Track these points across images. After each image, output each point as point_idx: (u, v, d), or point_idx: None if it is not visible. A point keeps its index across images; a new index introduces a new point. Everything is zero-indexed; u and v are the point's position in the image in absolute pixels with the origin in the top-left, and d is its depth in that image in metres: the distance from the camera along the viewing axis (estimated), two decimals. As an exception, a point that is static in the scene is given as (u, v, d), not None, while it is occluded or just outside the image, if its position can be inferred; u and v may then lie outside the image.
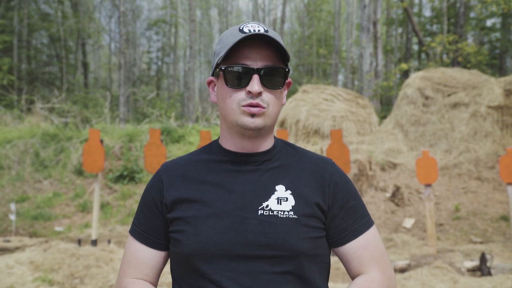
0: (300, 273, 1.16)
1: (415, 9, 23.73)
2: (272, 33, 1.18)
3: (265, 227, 1.15)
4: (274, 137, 1.32)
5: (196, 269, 1.16)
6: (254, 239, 1.14)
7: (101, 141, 6.35)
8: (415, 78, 11.77)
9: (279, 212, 1.17)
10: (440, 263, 5.11)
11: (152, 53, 34.53)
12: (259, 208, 1.18)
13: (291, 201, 1.19)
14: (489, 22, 23.38)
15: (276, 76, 1.20)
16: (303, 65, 30.67)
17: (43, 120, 13.91)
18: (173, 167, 1.29)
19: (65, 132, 12.12)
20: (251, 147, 1.24)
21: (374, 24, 16.99)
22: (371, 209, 8.46)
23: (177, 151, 11.67)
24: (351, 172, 9.20)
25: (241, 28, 1.19)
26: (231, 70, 1.18)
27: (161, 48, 33.11)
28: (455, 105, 10.79)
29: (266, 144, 1.26)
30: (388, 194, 8.90)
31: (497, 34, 23.10)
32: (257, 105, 1.17)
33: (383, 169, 10.02)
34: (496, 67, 21.41)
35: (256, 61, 1.18)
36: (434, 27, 22.76)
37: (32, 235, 8.42)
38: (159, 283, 4.58)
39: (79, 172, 10.71)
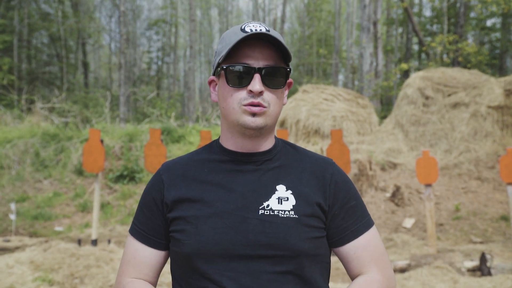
0: (300, 273, 1.16)
1: (415, 9, 23.74)
2: (273, 33, 1.18)
3: (266, 227, 1.15)
4: (275, 137, 1.31)
5: (197, 269, 1.16)
6: (255, 238, 1.14)
7: (101, 141, 6.35)
8: (415, 78, 11.77)
9: (280, 211, 1.17)
10: (440, 263, 5.11)
11: (152, 53, 34.55)
12: (260, 207, 1.18)
13: (292, 201, 1.19)
14: (489, 22, 23.39)
15: (278, 76, 1.20)
16: (303, 65, 30.68)
17: (43, 120, 13.92)
18: (173, 167, 1.29)
19: (65, 132, 12.12)
20: (252, 147, 1.24)
21: (374, 24, 16.99)
22: (371, 209, 8.46)
23: (177, 151, 11.67)
24: (351, 172, 9.20)
25: (243, 28, 1.19)
26: (233, 69, 1.18)
27: (161, 48, 33.12)
28: (455, 105, 10.79)
29: (267, 144, 1.26)
30: (388, 194, 8.90)
31: (497, 34, 23.10)
32: (258, 105, 1.17)
33: (383, 169, 10.02)
34: (496, 67, 21.41)
35: (257, 61, 1.18)
36: (434, 27, 22.76)
37: (32, 235, 8.42)
38: (159, 283, 4.59)
39: (79, 172, 10.71)
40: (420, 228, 7.87)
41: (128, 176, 10.59)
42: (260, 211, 1.17)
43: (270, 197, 1.19)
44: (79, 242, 6.15)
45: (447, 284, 4.64)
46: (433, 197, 6.31)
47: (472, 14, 20.95)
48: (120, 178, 10.60)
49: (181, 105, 26.67)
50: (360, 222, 1.26)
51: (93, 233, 6.18)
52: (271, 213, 1.17)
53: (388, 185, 9.25)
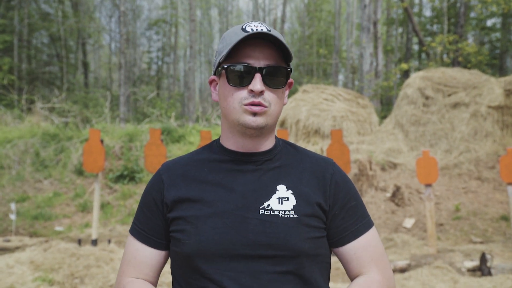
0: (301, 273, 1.16)
1: (416, 9, 23.74)
2: (274, 33, 1.18)
3: (266, 227, 1.15)
4: (275, 137, 1.31)
5: (197, 269, 1.16)
6: (255, 238, 1.14)
7: (102, 141, 6.35)
8: (415, 78, 11.77)
9: (280, 211, 1.17)
10: (440, 263, 5.11)
11: (152, 53, 34.55)
12: (260, 207, 1.17)
13: (292, 201, 1.19)
14: (489, 22, 23.39)
15: (278, 76, 1.20)
16: (304, 65, 30.68)
17: (43, 120, 13.92)
18: (173, 167, 1.29)
19: (66, 132, 12.12)
20: (252, 147, 1.24)
21: (375, 24, 16.99)
22: (371, 209, 8.46)
23: (177, 151, 11.67)
24: (352, 172, 9.20)
25: (243, 27, 1.19)
26: (234, 68, 1.18)
27: (161, 48, 33.12)
28: (455, 105, 10.79)
29: (267, 144, 1.26)
30: (389, 194, 8.90)
31: (498, 34, 23.10)
32: (259, 104, 1.17)
33: (383, 169, 10.02)
34: (496, 67, 21.41)
35: (258, 60, 1.18)
36: (435, 27, 22.77)
37: (32, 234, 8.42)
38: (159, 282, 4.59)
39: (80, 172, 10.71)
40: (420, 228, 7.87)
41: (128, 176, 10.59)
42: (260, 211, 1.17)
43: (271, 197, 1.19)
44: (79, 242, 6.15)
45: (447, 284, 4.63)
46: (433, 197, 6.31)
47: (472, 14, 20.96)
48: (120, 178, 10.60)
49: (181, 105, 26.68)
50: (360, 222, 1.26)
51: (93, 233, 6.18)
52: (271, 213, 1.17)
53: (388, 185, 9.25)
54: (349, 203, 1.26)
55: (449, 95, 11.00)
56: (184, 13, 33.06)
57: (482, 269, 5.24)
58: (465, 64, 16.04)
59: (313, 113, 11.90)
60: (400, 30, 26.40)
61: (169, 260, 1.30)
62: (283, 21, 23.56)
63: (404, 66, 15.95)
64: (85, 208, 9.54)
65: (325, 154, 7.36)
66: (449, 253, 5.67)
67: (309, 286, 1.18)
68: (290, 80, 1.27)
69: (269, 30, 1.18)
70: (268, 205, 1.18)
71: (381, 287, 1.20)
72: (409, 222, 8.03)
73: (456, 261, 5.20)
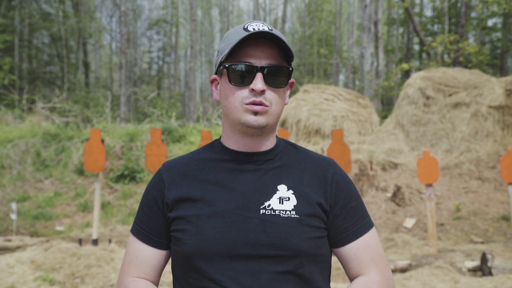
0: (301, 272, 1.16)
1: (416, 9, 23.72)
2: (276, 32, 1.18)
3: (267, 227, 1.15)
4: (276, 136, 1.31)
5: (197, 268, 1.16)
6: (256, 238, 1.14)
7: (102, 141, 6.35)
8: (416, 78, 11.77)
9: (281, 211, 1.17)
10: (441, 263, 5.11)
11: (153, 52, 34.57)
12: (261, 207, 1.17)
13: (293, 201, 1.19)
14: (490, 22, 23.38)
15: (280, 75, 1.20)
16: (304, 65, 30.68)
17: (44, 120, 13.93)
18: (174, 166, 1.29)
19: (66, 132, 12.13)
20: (253, 146, 1.24)
21: (375, 24, 16.98)
22: (372, 209, 8.46)
23: (178, 150, 11.68)
24: (352, 172, 9.20)
25: (245, 27, 1.19)
26: (235, 68, 1.18)
27: (162, 48, 33.14)
28: (456, 105, 10.78)
29: (268, 144, 1.26)
30: (389, 194, 8.90)
31: (498, 34, 23.09)
32: (260, 103, 1.17)
33: (384, 169, 10.02)
34: (497, 67, 21.40)
35: (260, 60, 1.18)
36: (435, 27, 22.76)
37: (33, 234, 8.42)
38: (159, 282, 4.58)
39: (80, 172, 10.72)
40: (420, 228, 7.86)
41: (128, 176, 10.60)
42: (261, 210, 1.17)
43: (271, 197, 1.19)
44: (80, 241, 6.16)
45: (448, 284, 4.63)
46: (433, 197, 6.31)
47: (473, 14, 20.95)
48: (120, 178, 10.61)
49: (182, 105, 26.69)
50: (360, 223, 1.26)
51: (94, 233, 6.18)
52: (272, 212, 1.17)
53: (389, 185, 9.25)
54: (350, 204, 1.26)
55: (450, 95, 11.00)
56: (184, 13, 33.09)
57: (483, 269, 5.23)
58: (466, 64, 16.03)
59: (314, 113, 11.90)
60: (401, 30, 26.39)
61: (170, 259, 1.31)
62: (283, 21, 23.56)
63: (405, 66, 15.95)
64: (86, 208, 9.55)
65: (325, 154, 7.36)
66: (450, 253, 5.66)
67: (310, 286, 1.18)
68: (292, 80, 1.27)
69: (271, 30, 1.18)
70: (269, 205, 1.18)
71: (380, 287, 1.20)
72: (409, 222, 8.03)
73: (456, 261, 5.20)
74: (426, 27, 22.86)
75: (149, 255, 1.27)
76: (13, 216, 7.85)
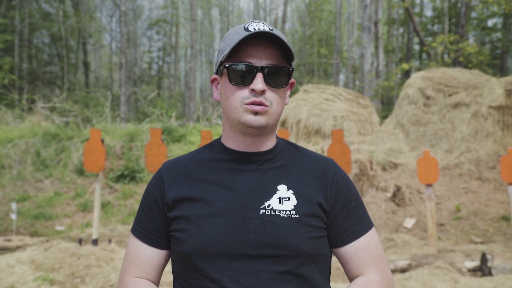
0: (301, 272, 1.16)
1: (417, 9, 23.73)
2: (276, 32, 1.18)
3: (267, 227, 1.15)
4: (277, 136, 1.31)
5: (197, 268, 1.16)
6: (256, 238, 1.14)
7: (102, 141, 6.35)
8: (416, 78, 11.77)
9: (281, 211, 1.17)
10: (441, 263, 5.11)
11: (153, 52, 34.56)
12: (261, 207, 1.17)
13: (293, 201, 1.19)
14: (490, 22, 23.38)
15: (280, 75, 1.20)
16: (304, 65, 30.68)
17: (44, 120, 13.93)
18: (174, 166, 1.29)
19: (66, 132, 12.13)
20: (253, 146, 1.24)
21: (375, 24, 16.98)
22: (372, 209, 8.46)
23: (178, 150, 11.68)
24: (352, 172, 9.20)
25: (246, 27, 1.19)
26: (235, 68, 1.18)
27: (162, 48, 33.14)
28: (456, 105, 10.78)
29: (269, 144, 1.26)
30: (389, 194, 8.90)
31: (498, 34, 23.09)
32: (260, 103, 1.17)
33: (384, 169, 10.02)
34: (497, 67, 21.39)
35: (260, 60, 1.18)
36: (435, 27, 22.76)
37: (33, 234, 8.42)
38: (159, 282, 4.59)
39: (80, 172, 10.72)
40: (420, 228, 7.86)
41: (128, 175, 10.60)
42: (261, 210, 1.17)
43: (271, 197, 1.19)
44: (80, 241, 6.16)
45: (447, 284, 4.63)
46: (433, 197, 6.31)
47: (473, 14, 20.95)
48: (120, 177, 10.61)
49: (182, 104, 26.70)
50: (360, 223, 1.26)
51: (94, 233, 6.18)
52: (272, 212, 1.17)
53: (389, 185, 9.25)
54: (350, 204, 1.26)
55: (450, 95, 11.00)
56: (185, 12, 33.10)
57: (483, 269, 5.23)
58: (466, 64, 16.03)
59: (314, 113, 11.90)
60: (401, 30, 26.39)
61: (170, 259, 1.31)
62: (284, 21, 23.56)
63: (405, 66, 15.94)
64: (86, 208, 9.55)
65: (326, 154, 7.36)
66: (450, 253, 5.66)
67: (310, 286, 1.18)
68: (292, 80, 1.27)
69: (272, 30, 1.18)
70: (269, 205, 1.18)
71: (380, 287, 1.21)
72: (409, 222, 8.03)
73: (456, 261, 5.20)
74: (426, 27, 22.86)
75: (149, 255, 1.27)
76: (13, 216, 7.85)
